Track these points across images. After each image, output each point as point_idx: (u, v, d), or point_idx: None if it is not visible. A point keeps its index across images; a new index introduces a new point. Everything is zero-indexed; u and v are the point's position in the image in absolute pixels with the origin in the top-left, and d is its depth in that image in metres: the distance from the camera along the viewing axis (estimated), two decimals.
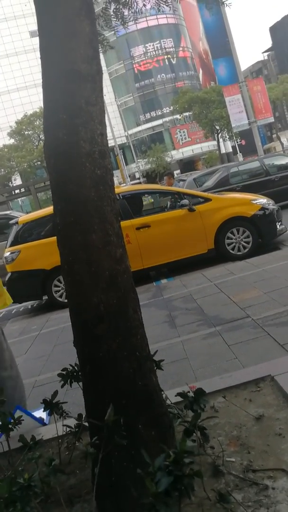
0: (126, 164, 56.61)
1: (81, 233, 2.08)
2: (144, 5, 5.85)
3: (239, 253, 8.19)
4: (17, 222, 8.81)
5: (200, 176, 16.08)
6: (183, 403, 2.31)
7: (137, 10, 5.75)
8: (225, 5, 5.88)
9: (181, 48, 66.79)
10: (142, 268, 8.17)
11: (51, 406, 2.72)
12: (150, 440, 2.06)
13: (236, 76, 25.65)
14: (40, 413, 3.72)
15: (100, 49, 5.66)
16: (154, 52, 64.82)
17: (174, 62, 65.60)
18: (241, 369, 3.52)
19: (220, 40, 62.91)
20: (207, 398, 2.86)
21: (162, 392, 2.35)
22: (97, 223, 2.09)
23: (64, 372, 2.81)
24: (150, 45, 64.61)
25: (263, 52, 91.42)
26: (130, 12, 5.84)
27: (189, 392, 2.37)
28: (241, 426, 2.51)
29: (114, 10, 5.94)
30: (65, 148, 2.09)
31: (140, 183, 29.30)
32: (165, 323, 5.49)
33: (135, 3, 5.64)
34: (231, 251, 8.21)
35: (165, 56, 64.92)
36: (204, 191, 13.65)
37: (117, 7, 5.90)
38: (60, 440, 2.79)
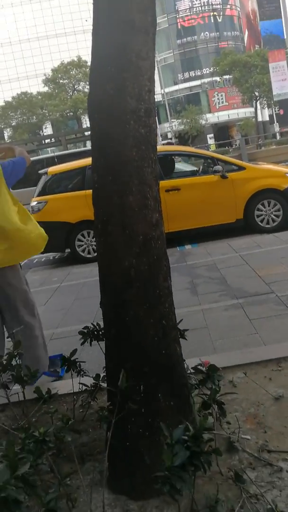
0: (160, 123, 55.55)
1: (118, 194, 2.01)
2: None
3: (267, 225, 8.02)
4: (46, 173, 8.75)
5: None
6: (200, 379, 2.29)
7: None
8: None
9: (229, 6, 64.06)
10: (167, 232, 8.07)
11: (69, 363, 2.72)
12: (168, 410, 2.04)
13: (283, 41, 24.66)
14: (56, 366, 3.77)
15: None
16: (200, 8, 62.29)
17: (219, 20, 63.07)
18: (262, 346, 3.47)
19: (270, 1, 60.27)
20: (225, 372, 2.85)
21: (184, 363, 2.32)
22: (135, 185, 2.02)
23: (85, 331, 2.80)
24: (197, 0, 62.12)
25: None
26: None
27: (200, 365, 2.33)
28: (259, 405, 2.49)
29: None
30: (110, 103, 2.00)
31: (172, 143, 28.71)
32: (187, 290, 5.44)
33: None
34: (259, 223, 8.05)
35: (211, 13, 62.41)
36: None
37: None
38: (75, 397, 2.81)
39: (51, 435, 1.98)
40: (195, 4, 62.05)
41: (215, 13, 62.40)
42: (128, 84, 1.99)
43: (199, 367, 2.35)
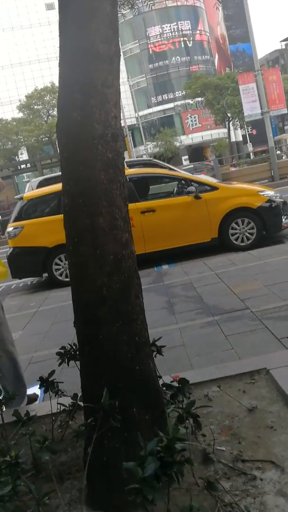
0: (135, 146, 56.11)
1: (89, 215, 2.08)
2: None
3: (242, 244, 8.18)
4: (21, 198, 8.81)
5: None
6: (171, 393, 2.35)
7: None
8: None
9: (198, 31, 65.66)
10: (144, 252, 8.17)
11: (47, 384, 2.75)
12: (143, 424, 2.08)
13: (251, 63, 25.32)
14: (35, 390, 3.78)
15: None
16: (170, 34, 63.76)
17: (190, 45, 64.57)
18: (237, 360, 3.54)
19: (238, 26, 62.06)
20: (200, 386, 2.91)
21: (159, 378, 2.37)
22: (105, 206, 2.09)
23: (62, 351, 2.84)
24: (167, 26, 63.49)
25: (281, 41, 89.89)
26: None
27: (173, 382, 2.40)
28: (234, 417, 2.54)
29: None
30: (78, 128, 2.08)
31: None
32: (164, 309, 5.51)
33: None
34: (234, 241, 8.20)
35: (182, 39, 63.88)
36: None
37: None
38: (53, 418, 2.83)
39: (24, 456, 2.01)
40: (165, 30, 63.52)
41: (185, 38, 63.90)
42: (94, 110, 2.08)
43: (171, 383, 2.42)
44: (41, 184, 13.58)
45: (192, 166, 31.79)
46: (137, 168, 10.53)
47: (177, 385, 2.35)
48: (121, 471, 2.01)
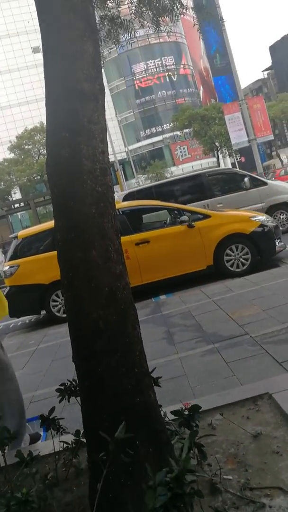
0: (126, 179, 56.70)
1: (82, 249, 2.10)
2: (143, 26, 5.97)
3: (238, 269, 8.20)
4: (16, 237, 8.85)
5: None
6: (180, 420, 2.31)
7: (132, 34, 5.89)
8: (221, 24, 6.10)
9: (182, 66, 67.54)
10: (141, 284, 8.18)
11: (48, 422, 2.71)
12: (148, 457, 2.05)
13: (236, 93, 25.90)
14: (37, 429, 3.72)
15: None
16: (155, 69, 65.61)
17: (174, 79, 66.35)
18: (239, 387, 3.52)
19: (220, 58, 63.81)
20: (203, 415, 2.88)
21: (161, 409, 2.35)
22: (97, 240, 2.12)
23: (62, 387, 2.82)
24: (151, 62, 65.39)
25: (263, 71, 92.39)
26: (125, 34, 5.97)
27: (182, 409, 2.37)
28: (239, 444, 2.51)
29: (108, 30, 6.04)
30: (67, 165, 2.12)
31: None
32: (164, 340, 5.48)
33: (131, 27, 5.77)
34: (230, 267, 8.23)
35: (166, 73, 65.68)
36: None
37: (113, 27, 6.01)
38: (56, 456, 2.78)
39: (34, 496, 1.98)
40: (150, 66, 65.30)
41: (169, 73, 65.68)
42: (82, 147, 2.13)
43: (181, 409, 2.38)
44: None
45: None
46: (216, 176, 12.19)
47: (187, 413, 2.32)
48: (127, 507, 1.97)
